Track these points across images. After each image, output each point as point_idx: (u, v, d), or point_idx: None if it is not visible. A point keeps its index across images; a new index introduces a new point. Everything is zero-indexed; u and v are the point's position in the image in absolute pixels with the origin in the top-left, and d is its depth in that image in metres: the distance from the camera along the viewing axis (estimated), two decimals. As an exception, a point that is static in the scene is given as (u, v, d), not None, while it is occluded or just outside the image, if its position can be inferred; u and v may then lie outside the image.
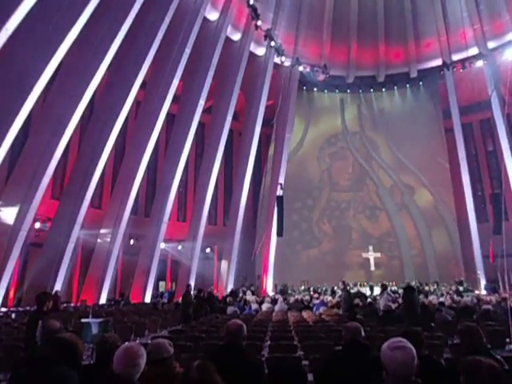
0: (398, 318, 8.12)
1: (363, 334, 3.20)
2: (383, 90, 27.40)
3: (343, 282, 11.09)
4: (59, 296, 13.53)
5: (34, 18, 12.20)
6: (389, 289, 14.04)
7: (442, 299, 11.57)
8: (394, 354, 1.93)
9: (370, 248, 22.76)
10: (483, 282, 21.51)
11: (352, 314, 9.61)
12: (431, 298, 12.76)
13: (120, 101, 16.35)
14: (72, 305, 15.92)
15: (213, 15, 21.14)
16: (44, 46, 12.85)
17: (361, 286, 21.29)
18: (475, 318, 7.87)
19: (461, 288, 19.33)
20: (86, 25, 13.80)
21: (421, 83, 26.88)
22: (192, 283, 18.10)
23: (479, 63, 23.36)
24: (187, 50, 18.65)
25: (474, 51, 23.63)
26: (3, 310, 12.91)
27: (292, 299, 15.03)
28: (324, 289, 20.37)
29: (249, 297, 16.10)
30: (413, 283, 20.64)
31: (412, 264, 23.77)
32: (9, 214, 13.36)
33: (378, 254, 22.90)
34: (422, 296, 14.71)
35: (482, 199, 25.52)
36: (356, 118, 27.74)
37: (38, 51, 12.67)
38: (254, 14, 21.56)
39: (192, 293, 12.64)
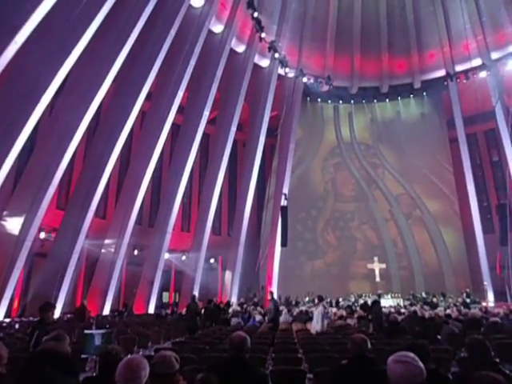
0: (403, 330, 8.02)
1: (369, 346, 3.16)
2: (387, 100, 27.51)
3: (271, 293, 11.77)
4: (86, 307, 13.96)
5: (43, 31, 12.42)
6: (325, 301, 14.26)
7: (448, 311, 11.41)
8: (394, 367, 1.92)
9: (375, 259, 22.57)
10: (490, 294, 21.24)
11: (275, 324, 9.94)
12: (438, 310, 12.60)
13: (125, 111, 16.51)
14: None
15: (218, 28, 21.44)
16: (52, 58, 13.04)
17: (365, 297, 21.04)
18: (483, 331, 7.75)
19: (468, 300, 19.08)
20: (93, 37, 14.04)
21: (424, 94, 26.97)
22: (196, 294, 18.00)
23: (483, 74, 23.41)
24: (192, 62, 18.87)
25: (477, 62, 23.71)
26: (7, 320, 12.88)
27: (296, 311, 14.89)
28: (328, 300, 20.15)
29: (234, 307, 16.12)
30: (423, 294, 20.43)
31: (421, 274, 23.52)
32: (14, 224, 13.42)
33: (384, 265, 22.70)
34: (427, 307, 14.51)
35: (488, 210, 25.32)
36: (360, 129, 27.81)
37: (45, 63, 12.86)
38: (258, 26, 21.83)
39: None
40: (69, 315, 15.09)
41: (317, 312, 9.84)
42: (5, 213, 13.53)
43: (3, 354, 2.40)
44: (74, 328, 10.01)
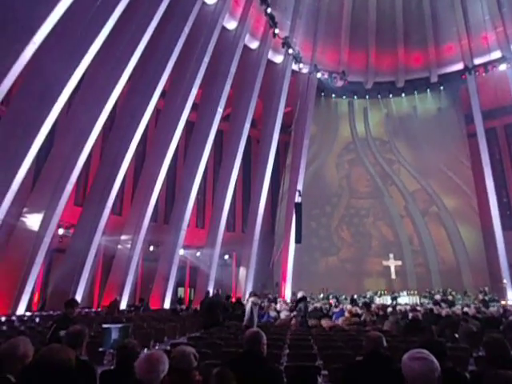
0: (423, 328, 7.90)
1: (385, 344, 3.14)
2: (403, 95, 27.06)
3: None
4: (118, 301, 15.02)
5: (59, 31, 12.63)
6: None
7: (466, 309, 11.22)
8: (412, 364, 1.91)
9: (391, 256, 22.35)
10: (510, 292, 20.79)
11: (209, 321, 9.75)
12: (455, 308, 12.40)
13: (140, 109, 16.69)
14: (93, 310, 16.20)
15: (231, 24, 21.42)
16: (68, 58, 13.26)
17: (381, 295, 20.88)
18: (502, 329, 7.61)
19: (486, 298, 18.72)
20: (108, 36, 14.21)
21: (442, 88, 26.42)
22: (210, 290, 18.14)
23: (502, 67, 22.80)
24: (206, 59, 18.92)
25: (496, 54, 23.09)
26: (28, 314, 13.24)
27: (311, 307, 14.84)
28: (343, 297, 20.07)
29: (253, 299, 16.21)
30: (452, 293, 20.06)
31: (438, 272, 23.16)
32: (34, 221, 13.74)
33: (399, 262, 22.45)
34: (444, 305, 14.28)
35: (508, 206, 24.74)
36: (376, 124, 27.46)
37: (62, 62, 13.08)
38: (272, 22, 21.73)
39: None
40: (86, 309, 15.48)
41: (247, 308, 10.11)
42: (24, 209, 13.87)
43: (29, 353, 2.43)
44: (93, 322, 10.24)
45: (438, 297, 18.76)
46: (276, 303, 16.29)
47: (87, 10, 13.57)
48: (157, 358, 2.23)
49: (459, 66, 24.98)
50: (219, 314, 10.34)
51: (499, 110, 23.73)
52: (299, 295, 11.95)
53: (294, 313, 11.79)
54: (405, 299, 19.96)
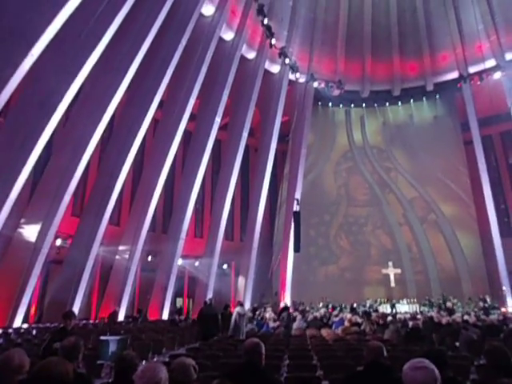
0: (423, 337, 7.85)
1: (385, 353, 3.12)
2: (399, 103, 27.29)
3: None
4: (117, 312, 15.22)
5: (57, 43, 12.71)
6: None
7: (466, 317, 11.16)
8: (414, 374, 1.89)
9: (390, 264, 22.29)
10: (510, 299, 20.72)
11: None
12: (455, 316, 12.33)
13: (138, 119, 16.74)
14: (91, 322, 16.03)
15: (228, 35, 21.65)
16: (67, 69, 13.33)
17: (381, 303, 20.78)
18: (502, 337, 7.57)
19: (486, 305, 18.64)
20: (106, 47, 14.32)
21: (437, 96, 26.66)
22: (207, 300, 17.99)
23: (497, 75, 23.05)
24: (203, 70, 19.06)
25: (491, 63, 23.38)
26: (25, 326, 13.09)
27: (310, 317, 14.74)
28: (343, 306, 19.95)
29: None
30: (453, 300, 19.95)
31: (437, 279, 23.09)
32: (31, 232, 13.67)
33: (399, 270, 22.39)
34: (445, 313, 14.21)
35: (506, 212, 24.80)
36: (372, 133, 27.63)
37: (60, 74, 13.15)
38: (269, 32, 21.96)
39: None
40: (84, 321, 15.33)
41: (232, 318, 10.34)
42: (22, 221, 13.81)
43: (24, 364, 2.39)
44: (90, 334, 10.13)
45: (449, 304, 18.69)
46: (266, 312, 16.08)
47: (85, 21, 13.67)
48: (150, 367, 2.19)
49: (454, 75, 25.26)
50: (211, 325, 10.14)
51: (495, 118, 23.94)
52: (281, 305, 11.93)
53: (278, 322, 11.78)
54: (404, 307, 19.86)
